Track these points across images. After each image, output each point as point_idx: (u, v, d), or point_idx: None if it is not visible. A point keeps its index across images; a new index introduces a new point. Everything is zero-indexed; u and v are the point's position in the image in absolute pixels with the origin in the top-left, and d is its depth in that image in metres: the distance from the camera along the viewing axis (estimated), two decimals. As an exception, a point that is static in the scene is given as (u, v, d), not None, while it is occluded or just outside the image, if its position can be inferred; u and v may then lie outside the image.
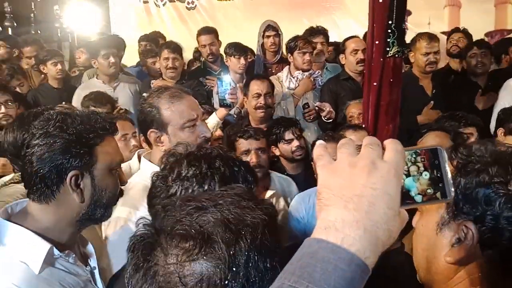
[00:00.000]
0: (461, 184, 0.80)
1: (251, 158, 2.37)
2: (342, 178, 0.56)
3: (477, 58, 3.59)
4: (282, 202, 2.49)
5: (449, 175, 0.60)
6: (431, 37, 3.46)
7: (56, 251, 1.14)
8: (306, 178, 2.65)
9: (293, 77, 3.53)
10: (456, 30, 4.18)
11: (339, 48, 3.80)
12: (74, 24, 8.62)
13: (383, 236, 0.54)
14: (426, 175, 0.60)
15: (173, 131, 1.61)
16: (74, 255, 1.19)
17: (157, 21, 5.95)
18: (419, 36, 3.48)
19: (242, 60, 3.61)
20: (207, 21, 5.46)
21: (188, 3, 5.84)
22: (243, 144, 2.43)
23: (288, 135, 2.74)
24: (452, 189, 0.59)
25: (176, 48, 3.64)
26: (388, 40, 2.50)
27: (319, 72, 3.66)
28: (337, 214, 0.54)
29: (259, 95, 2.97)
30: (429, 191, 0.59)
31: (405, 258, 1.49)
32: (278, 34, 3.82)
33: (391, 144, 0.59)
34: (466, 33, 4.12)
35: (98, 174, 1.18)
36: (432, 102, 3.29)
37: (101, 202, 1.20)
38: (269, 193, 2.45)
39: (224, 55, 3.81)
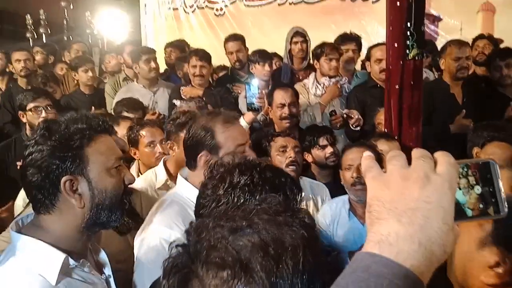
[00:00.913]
0: None
1: (290, 154, 2.42)
2: (394, 191, 0.55)
3: (501, 71, 3.46)
4: (311, 206, 2.50)
5: (502, 190, 0.58)
6: (462, 43, 3.42)
7: (71, 261, 1.13)
8: (335, 187, 2.64)
9: (320, 84, 3.52)
10: (481, 36, 4.04)
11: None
12: (104, 30, 8.87)
13: (437, 252, 0.53)
14: (478, 190, 0.58)
15: (227, 153, 1.63)
16: (89, 264, 1.17)
17: (186, 27, 6.03)
18: (450, 42, 3.45)
19: (267, 67, 3.62)
20: (235, 27, 5.50)
21: (217, 9, 5.90)
22: (280, 141, 2.48)
23: (322, 141, 2.77)
24: (506, 205, 0.58)
25: (204, 56, 3.69)
26: (407, 42, 2.47)
27: (346, 79, 3.64)
28: (390, 227, 0.53)
29: (283, 105, 2.95)
30: (481, 206, 0.58)
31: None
32: (305, 40, 3.81)
33: (443, 157, 0.57)
34: (492, 39, 3.99)
35: (94, 175, 1.14)
36: (464, 110, 3.20)
37: (104, 204, 1.16)
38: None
39: (249, 63, 3.82)
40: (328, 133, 2.84)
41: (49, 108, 2.88)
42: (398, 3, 2.42)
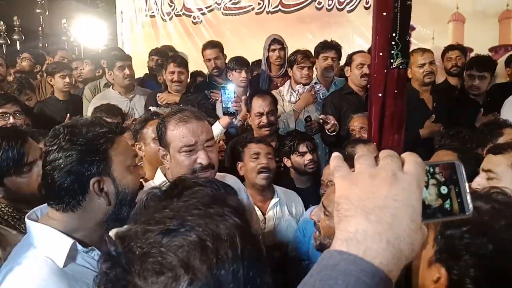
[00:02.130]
0: (447, 231, 0.89)
1: (262, 160, 2.43)
2: (362, 189, 0.55)
3: (474, 81, 3.58)
4: (286, 211, 2.53)
5: (468, 190, 0.59)
6: (424, 50, 3.55)
7: (79, 247, 1.18)
8: (314, 193, 2.66)
9: (294, 91, 3.56)
10: (452, 47, 4.16)
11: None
12: (81, 38, 8.75)
13: (406, 250, 0.53)
14: (444, 190, 0.59)
15: (173, 152, 1.68)
16: (99, 253, 1.21)
17: (163, 34, 6.02)
18: (412, 51, 3.53)
19: (244, 74, 3.64)
20: (212, 35, 5.52)
21: (194, 17, 5.91)
22: (253, 147, 2.49)
23: (302, 148, 2.79)
24: (471, 205, 0.59)
25: (181, 62, 3.68)
26: (392, 52, 2.53)
27: (320, 85, 3.68)
28: (358, 225, 0.53)
29: (261, 114, 2.96)
30: (447, 206, 0.59)
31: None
32: (283, 47, 3.86)
33: (411, 156, 0.58)
34: (462, 49, 4.12)
35: (117, 174, 1.22)
36: (433, 115, 3.29)
37: (126, 200, 1.24)
38: (273, 201, 2.49)
39: (227, 69, 3.84)
40: (308, 140, 2.86)
41: (17, 114, 2.82)
42: (384, 13, 2.48)
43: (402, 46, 2.54)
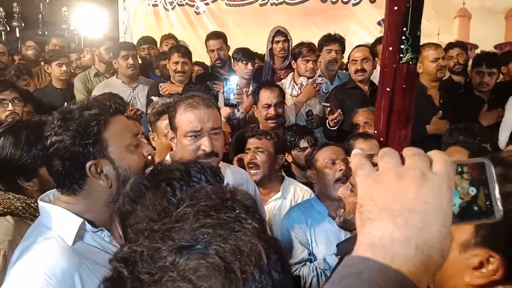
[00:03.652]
0: None
1: (250, 155, 2.42)
2: (388, 190, 0.50)
3: (483, 77, 3.54)
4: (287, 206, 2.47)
5: (497, 192, 0.54)
6: (436, 45, 3.52)
7: (88, 226, 1.19)
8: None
9: (297, 84, 3.52)
10: (452, 45, 4.11)
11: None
12: (81, 26, 8.66)
13: (436, 257, 0.48)
14: (472, 191, 0.55)
15: (179, 136, 1.71)
16: (109, 234, 1.23)
17: (165, 24, 5.95)
18: (424, 46, 3.49)
19: (250, 66, 3.60)
20: (215, 26, 5.46)
21: (197, 7, 5.84)
22: (247, 143, 2.48)
23: (303, 143, 2.76)
24: (501, 208, 0.54)
25: (186, 52, 3.65)
26: (402, 46, 2.49)
27: (322, 79, 3.65)
28: (384, 229, 0.48)
29: (269, 106, 2.92)
30: (475, 208, 0.54)
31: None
32: (287, 39, 3.82)
33: (439, 155, 0.53)
34: (463, 47, 4.09)
35: (116, 156, 1.21)
36: (440, 111, 3.26)
37: (129, 180, 1.21)
38: (278, 195, 2.45)
39: (232, 60, 3.80)
40: (309, 135, 2.83)
41: (16, 101, 2.77)
42: (396, 8, 2.44)
43: (413, 41, 2.50)
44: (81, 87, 4.17)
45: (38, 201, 1.24)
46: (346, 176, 2.23)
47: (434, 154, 0.54)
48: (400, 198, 0.50)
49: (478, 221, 0.56)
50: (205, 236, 0.55)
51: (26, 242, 1.17)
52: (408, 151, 0.54)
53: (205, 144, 1.66)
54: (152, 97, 3.56)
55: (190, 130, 1.66)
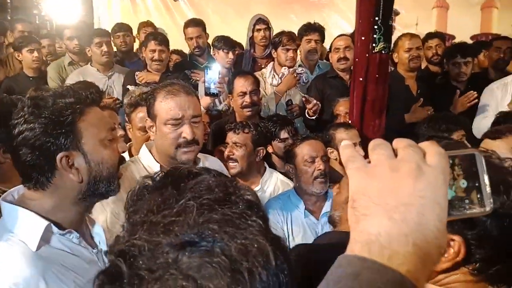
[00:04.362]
0: None
1: (228, 149, 2.40)
2: (383, 184, 0.48)
3: (460, 68, 3.58)
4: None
5: (488, 184, 0.53)
6: (412, 35, 3.55)
7: (55, 229, 1.11)
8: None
9: (277, 74, 3.48)
10: (431, 35, 4.14)
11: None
12: (53, 12, 8.34)
13: (434, 254, 0.46)
14: (463, 184, 0.53)
15: (159, 124, 1.67)
16: (78, 235, 1.16)
17: (141, 10, 5.79)
18: (401, 36, 3.56)
19: (231, 55, 3.54)
20: (194, 13, 5.35)
21: (175, -7, 5.70)
22: (227, 136, 2.45)
23: (283, 134, 2.73)
24: (491, 200, 0.53)
25: (162, 40, 3.54)
26: (374, 36, 2.49)
27: (302, 68, 3.62)
28: (381, 226, 0.46)
29: (244, 94, 2.87)
30: (467, 201, 0.53)
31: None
32: (268, 28, 3.77)
33: (433, 147, 0.51)
34: (442, 38, 4.12)
35: (89, 149, 1.13)
36: (421, 99, 3.29)
37: (101, 176, 1.15)
38: (257, 188, 2.43)
39: (212, 48, 3.72)
40: (289, 125, 2.81)
41: None
42: None
43: (385, 30, 2.51)
44: (55, 76, 4.01)
45: (0, 201, 1.14)
46: (325, 174, 2.23)
47: (427, 145, 0.51)
48: (396, 192, 0.47)
49: (469, 214, 0.54)
50: (210, 232, 0.51)
51: None
52: (400, 143, 0.51)
53: (186, 131, 1.63)
54: (129, 86, 3.46)
55: (170, 118, 1.63)
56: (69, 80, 3.52)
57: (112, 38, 4.31)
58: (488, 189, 0.53)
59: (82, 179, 1.13)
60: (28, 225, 1.09)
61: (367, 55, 2.48)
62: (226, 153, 2.39)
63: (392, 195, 0.47)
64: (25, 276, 1.02)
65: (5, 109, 1.40)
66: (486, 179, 0.53)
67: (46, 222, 1.09)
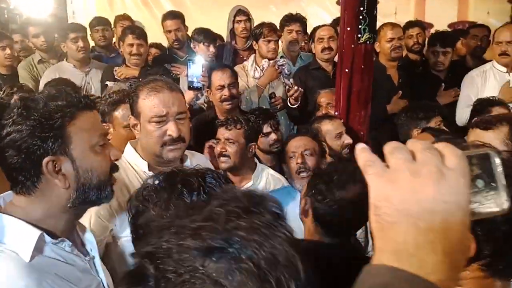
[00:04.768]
0: None
1: (218, 146, 2.36)
2: (405, 189, 0.47)
3: (438, 57, 3.62)
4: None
5: (504, 183, 0.52)
6: (394, 25, 3.56)
7: (48, 238, 1.07)
8: (280, 171, 2.59)
9: (259, 66, 3.44)
10: (412, 24, 4.15)
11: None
12: (23, 5, 8.05)
13: (460, 260, 0.46)
14: (480, 183, 0.52)
15: (143, 122, 1.64)
16: (70, 243, 1.12)
17: (117, 2, 5.62)
18: (382, 25, 3.55)
19: (212, 48, 3.48)
20: (172, 5, 5.22)
21: (152, -15, 5.55)
22: (218, 132, 2.39)
23: (266, 128, 2.70)
24: (507, 199, 0.52)
25: (141, 34, 3.46)
26: (360, 26, 2.49)
27: (284, 60, 3.59)
28: (407, 234, 0.45)
29: (222, 87, 2.82)
30: (484, 201, 0.52)
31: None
32: (249, 19, 3.73)
33: (450, 149, 0.49)
34: (422, 26, 4.15)
35: (78, 154, 1.09)
36: (400, 91, 3.32)
37: (91, 183, 1.11)
38: (249, 184, 2.40)
39: (192, 41, 3.64)
40: (271, 119, 2.78)
41: None
42: None
43: (370, 20, 2.51)
44: (26, 76, 3.84)
45: None
46: (306, 168, 2.25)
47: (444, 147, 0.50)
48: (419, 198, 0.46)
49: (487, 214, 0.53)
50: (238, 239, 0.51)
51: None
52: (416, 145, 0.50)
53: (171, 129, 1.60)
54: (108, 82, 3.37)
55: (154, 115, 1.59)
56: (44, 78, 3.42)
57: (90, 33, 4.20)
58: (504, 188, 0.52)
59: (69, 185, 1.09)
60: (20, 235, 1.05)
61: (352, 46, 2.47)
62: (218, 149, 2.35)
63: (415, 202, 0.46)
64: None
65: None
66: (502, 178, 0.52)
67: (38, 232, 1.06)
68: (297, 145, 2.29)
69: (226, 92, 2.82)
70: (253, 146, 2.43)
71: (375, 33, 2.59)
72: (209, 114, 2.96)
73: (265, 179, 2.44)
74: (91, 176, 1.11)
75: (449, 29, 4.64)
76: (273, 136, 2.71)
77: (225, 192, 0.60)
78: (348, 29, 2.50)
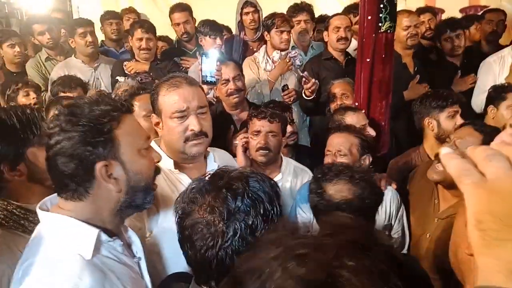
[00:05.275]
0: None
1: (260, 140, 2.28)
2: (510, 202, 0.43)
3: (453, 42, 3.55)
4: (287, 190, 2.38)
5: None
6: (409, 12, 3.45)
7: (104, 236, 1.09)
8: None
9: (270, 58, 3.38)
10: (423, 10, 4.08)
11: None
12: (24, 0, 7.96)
13: None
14: None
15: (165, 118, 1.63)
16: (121, 243, 1.14)
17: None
18: (398, 12, 3.43)
19: (218, 41, 3.40)
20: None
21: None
22: (255, 124, 2.32)
23: None
24: None
25: (149, 28, 3.40)
26: (380, 15, 2.42)
27: (296, 51, 3.52)
28: None
29: (227, 81, 2.75)
30: None
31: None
32: (257, 10, 3.64)
33: None
34: (433, 12, 4.07)
35: (127, 158, 1.09)
36: (418, 76, 3.25)
37: (139, 186, 1.12)
38: (278, 177, 2.36)
39: (197, 34, 3.57)
40: (287, 111, 2.72)
41: None
42: None
43: (390, 9, 2.45)
44: (35, 74, 3.79)
45: (38, 210, 1.09)
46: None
47: None
48: None
49: None
50: (341, 280, 0.48)
51: (33, 258, 1.03)
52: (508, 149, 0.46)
53: (193, 123, 1.58)
54: (118, 77, 3.32)
55: (175, 110, 1.58)
56: (54, 75, 3.38)
57: (101, 26, 4.14)
58: None
59: (121, 189, 1.09)
60: (79, 234, 1.05)
61: (373, 35, 2.41)
62: (257, 142, 2.27)
63: None
64: (89, 287, 0.98)
65: (6, 122, 1.30)
66: None
67: (96, 230, 1.06)
68: (339, 142, 2.16)
69: (231, 85, 2.75)
70: (285, 140, 2.39)
71: (395, 22, 2.52)
72: (217, 107, 2.90)
73: (292, 171, 2.40)
74: (140, 179, 1.11)
75: (460, 14, 4.55)
76: (288, 128, 2.66)
77: (336, 218, 0.56)
78: (369, 17, 2.44)
